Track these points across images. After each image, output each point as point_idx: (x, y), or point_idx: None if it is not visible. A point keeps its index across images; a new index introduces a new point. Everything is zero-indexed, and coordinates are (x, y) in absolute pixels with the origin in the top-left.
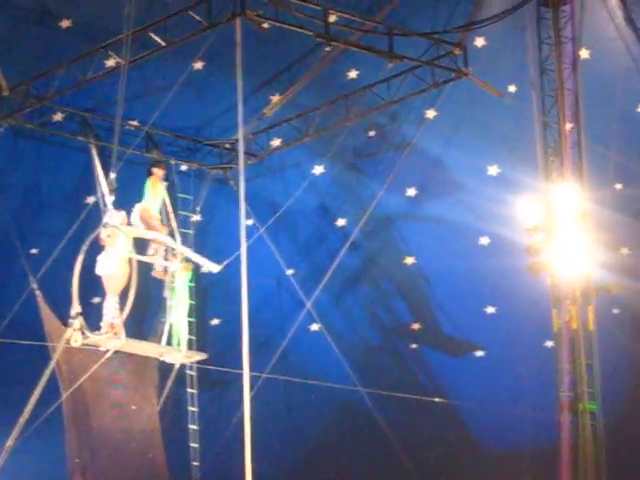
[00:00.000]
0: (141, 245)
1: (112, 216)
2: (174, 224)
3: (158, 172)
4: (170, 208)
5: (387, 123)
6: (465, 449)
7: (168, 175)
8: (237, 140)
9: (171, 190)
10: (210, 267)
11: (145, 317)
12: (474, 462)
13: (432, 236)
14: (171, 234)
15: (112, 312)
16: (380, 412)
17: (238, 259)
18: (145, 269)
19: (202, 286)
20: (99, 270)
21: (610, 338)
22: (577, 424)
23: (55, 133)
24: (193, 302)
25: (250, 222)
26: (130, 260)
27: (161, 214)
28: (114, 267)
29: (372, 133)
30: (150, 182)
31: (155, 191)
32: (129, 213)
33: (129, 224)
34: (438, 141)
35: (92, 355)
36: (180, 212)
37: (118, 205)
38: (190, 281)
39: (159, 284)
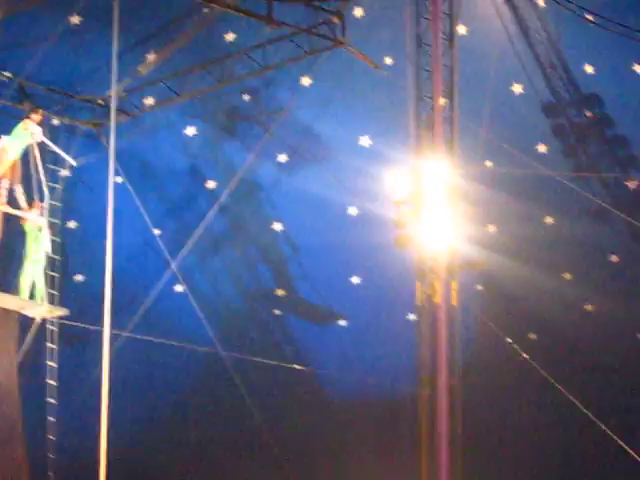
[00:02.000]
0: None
1: None
2: (42, 177)
3: (32, 116)
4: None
5: (262, 88)
6: (323, 416)
7: (42, 123)
8: (110, 96)
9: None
10: (69, 160)
11: (6, 270)
12: (332, 429)
13: (301, 204)
14: (39, 186)
15: None
16: (241, 376)
17: (106, 216)
18: (9, 221)
19: (67, 241)
20: None
21: (472, 314)
22: (436, 398)
23: None
24: (57, 257)
25: (120, 180)
26: None
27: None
28: None
29: (246, 97)
30: (21, 123)
31: (20, 132)
32: None
33: None
34: (312, 109)
35: None
36: (49, 166)
37: None
38: (55, 236)
39: (21, 236)
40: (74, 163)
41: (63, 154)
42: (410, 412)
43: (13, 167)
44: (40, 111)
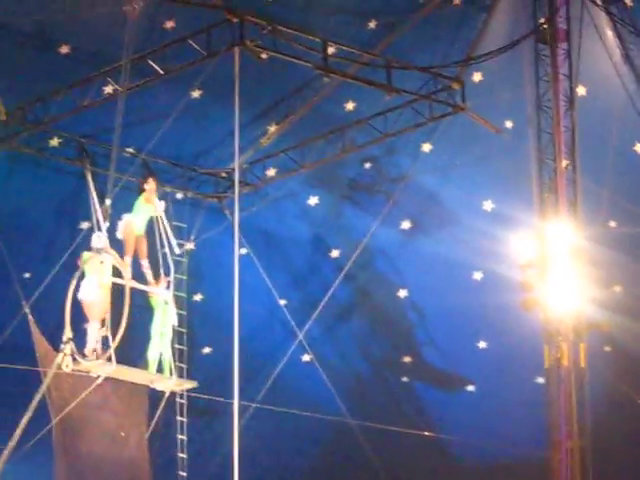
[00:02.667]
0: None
1: (97, 240)
2: (168, 251)
3: (145, 187)
4: (166, 232)
5: (383, 155)
6: None
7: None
8: (233, 169)
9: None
10: (174, 247)
11: (133, 344)
12: None
13: (425, 270)
14: (164, 259)
15: (95, 338)
16: (370, 444)
17: (231, 287)
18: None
19: (194, 314)
20: (82, 295)
21: (601, 375)
22: (567, 462)
23: (51, 158)
24: (184, 330)
25: (244, 251)
26: (112, 286)
27: (147, 233)
28: (97, 293)
29: (368, 165)
30: (140, 197)
31: (141, 206)
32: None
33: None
34: (433, 175)
35: (82, 381)
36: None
37: (113, 231)
38: (181, 309)
39: (144, 310)
40: (177, 251)
41: (172, 238)
42: (541, 476)
43: (139, 242)
44: (151, 179)
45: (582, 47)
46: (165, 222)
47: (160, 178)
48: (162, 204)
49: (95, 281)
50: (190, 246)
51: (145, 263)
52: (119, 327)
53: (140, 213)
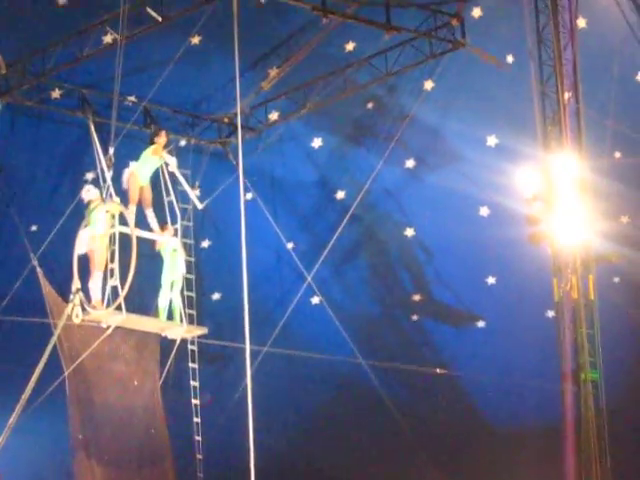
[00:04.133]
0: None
1: (90, 191)
2: (174, 199)
3: (157, 140)
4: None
5: (385, 95)
6: (467, 420)
7: (169, 142)
8: (235, 114)
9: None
10: (196, 203)
11: (143, 293)
12: (476, 433)
13: (431, 207)
14: (170, 207)
15: (99, 288)
16: (382, 384)
17: (238, 233)
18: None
19: (202, 261)
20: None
21: (611, 307)
22: (579, 394)
23: (53, 110)
24: (193, 276)
25: (250, 196)
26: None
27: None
28: (89, 244)
29: (370, 105)
30: (148, 149)
31: (148, 158)
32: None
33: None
34: (436, 112)
35: (93, 331)
36: (179, 187)
37: (116, 180)
38: (189, 256)
39: (154, 259)
40: (200, 206)
41: (192, 194)
42: (553, 408)
43: (143, 191)
44: (163, 132)
45: None
46: (181, 179)
47: (162, 125)
48: (174, 160)
49: (89, 232)
50: (196, 192)
51: (150, 213)
52: (127, 276)
53: (146, 164)
